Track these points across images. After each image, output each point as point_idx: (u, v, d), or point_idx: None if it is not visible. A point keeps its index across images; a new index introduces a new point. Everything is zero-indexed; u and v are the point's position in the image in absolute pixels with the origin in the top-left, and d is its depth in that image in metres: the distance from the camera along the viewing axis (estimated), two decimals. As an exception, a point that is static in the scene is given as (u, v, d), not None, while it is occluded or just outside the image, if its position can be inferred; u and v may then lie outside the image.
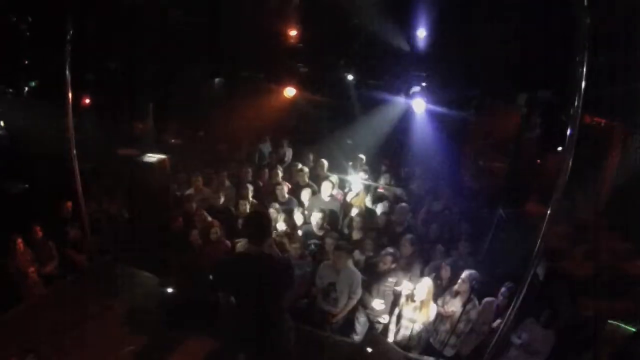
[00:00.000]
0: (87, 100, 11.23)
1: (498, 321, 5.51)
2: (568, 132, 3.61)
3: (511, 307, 4.39)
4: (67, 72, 5.21)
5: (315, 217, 7.26)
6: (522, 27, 7.10)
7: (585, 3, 3.24)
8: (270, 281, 3.75)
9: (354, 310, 6.29)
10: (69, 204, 7.35)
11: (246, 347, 4.04)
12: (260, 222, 3.82)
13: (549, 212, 3.85)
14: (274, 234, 6.54)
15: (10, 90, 11.00)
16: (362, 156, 10.35)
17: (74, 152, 5.53)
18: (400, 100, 10.51)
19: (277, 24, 10.16)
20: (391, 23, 8.47)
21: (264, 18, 9.71)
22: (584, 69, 3.37)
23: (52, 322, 5.51)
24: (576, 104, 3.47)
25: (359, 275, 6.13)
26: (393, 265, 6.30)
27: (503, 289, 5.61)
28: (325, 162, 9.55)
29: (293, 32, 9.94)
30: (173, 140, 12.09)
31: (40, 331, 5.17)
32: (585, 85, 3.38)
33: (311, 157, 10.57)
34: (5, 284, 6.29)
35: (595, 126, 8.39)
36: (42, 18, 8.81)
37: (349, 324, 6.32)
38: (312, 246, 6.92)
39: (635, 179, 7.26)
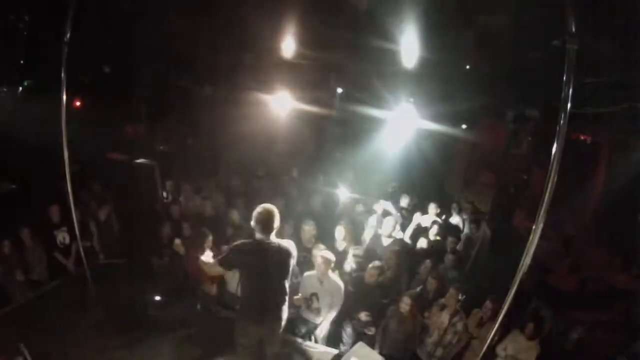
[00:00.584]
0: (79, 103, 11.17)
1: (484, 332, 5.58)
2: (553, 149, 3.71)
3: (497, 319, 4.44)
4: (63, 74, 5.20)
5: (305, 229, 7.30)
6: (512, 44, 7.22)
7: (573, 29, 3.36)
8: (278, 265, 4.42)
9: (340, 322, 6.32)
10: (57, 207, 7.32)
11: (257, 320, 4.56)
12: (268, 217, 4.37)
13: (534, 227, 3.92)
14: None
15: (4, 89, 10.92)
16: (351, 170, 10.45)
17: (66, 154, 5.49)
18: (389, 114, 10.60)
19: (269, 36, 10.21)
20: (381, 38, 8.55)
21: (257, 29, 9.76)
22: (570, 90, 3.48)
23: (38, 325, 5.49)
24: (562, 122, 3.58)
25: (341, 286, 6.13)
26: (380, 278, 6.36)
27: (487, 302, 5.67)
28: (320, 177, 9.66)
29: (285, 45, 9.98)
30: (162, 147, 12.06)
31: (26, 335, 5.13)
32: (572, 105, 3.50)
33: (295, 170, 10.64)
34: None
35: (582, 143, 8.55)
36: (40, 18, 8.79)
37: (335, 335, 6.34)
38: (301, 258, 6.95)
39: (621, 194, 7.39)
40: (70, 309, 5.96)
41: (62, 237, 7.31)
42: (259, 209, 4.40)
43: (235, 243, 4.60)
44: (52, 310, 5.92)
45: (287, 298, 4.61)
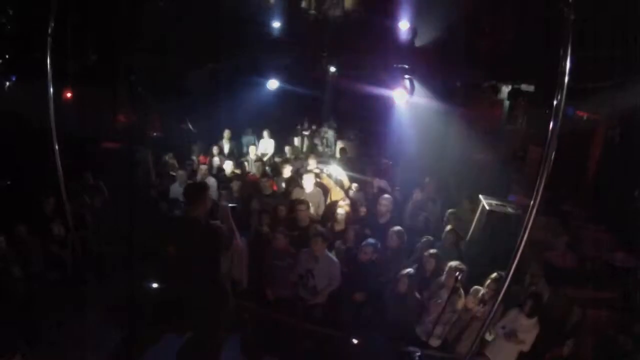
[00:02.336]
0: (69, 94, 11.00)
1: (483, 311, 5.59)
2: (550, 125, 3.63)
3: (498, 297, 4.40)
4: (49, 65, 5.12)
5: (299, 208, 7.25)
6: (508, 19, 7.13)
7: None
8: (201, 242, 4.34)
9: (337, 301, 6.30)
10: (51, 199, 7.25)
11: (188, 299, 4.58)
12: (195, 191, 4.49)
13: (532, 202, 3.86)
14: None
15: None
16: (345, 147, 10.39)
17: (56, 146, 5.42)
18: (383, 91, 10.51)
19: (259, 15, 10.06)
20: (375, 14, 8.44)
21: (246, 8, 9.62)
22: (568, 63, 3.40)
23: (37, 320, 5.45)
24: (559, 97, 3.50)
25: (337, 264, 6.14)
26: (374, 256, 6.32)
27: (488, 280, 5.66)
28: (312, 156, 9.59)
29: (276, 23, 9.86)
30: (155, 133, 11.95)
31: (25, 330, 5.11)
32: (569, 79, 3.41)
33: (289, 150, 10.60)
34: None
35: (578, 119, 8.48)
36: (23, 10, 8.59)
37: (333, 316, 6.33)
38: (297, 237, 6.91)
39: (617, 171, 7.35)
40: (68, 301, 5.92)
41: (58, 228, 7.27)
42: (187, 185, 4.75)
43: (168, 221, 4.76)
44: (51, 304, 5.88)
45: (215, 279, 4.57)
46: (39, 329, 5.30)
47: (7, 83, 10.82)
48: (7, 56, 9.93)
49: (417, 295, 5.99)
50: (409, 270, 6.06)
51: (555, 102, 3.55)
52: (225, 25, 9.86)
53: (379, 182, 9.08)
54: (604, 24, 5.58)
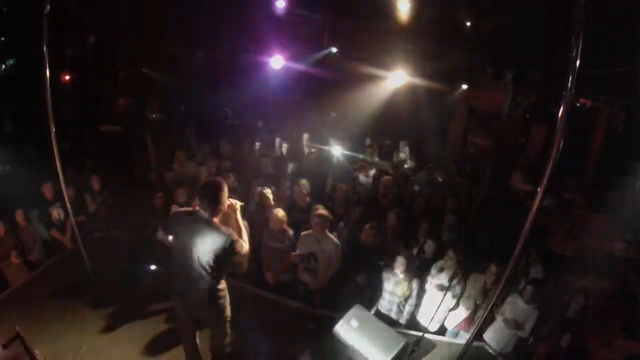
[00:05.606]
0: (68, 77, 10.85)
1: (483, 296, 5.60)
2: (560, 112, 3.58)
3: (500, 283, 4.40)
4: (45, 49, 5.03)
5: (297, 189, 7.21)
6: (513, 4, 7.01)
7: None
8: (201, 243, 3.90)
9: (338, 284, 6.29)
10: (50, 184, 7.21)
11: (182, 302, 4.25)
12: (211, 191, 3.95)
13: (538, 190, 3.82)
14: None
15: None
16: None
17: (54, 130, 5.36)
18: (384, 73, 10.43)
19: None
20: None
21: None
22: (579, 50, 3.33)
23: (36, 306, 5.44)
24: (569, 85, 3.43)
25: (338, 245, 6.08)
26: (376, 239, 6.29)
27: (492, 266, 5.65)
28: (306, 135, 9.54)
29: (277, 3, 9.70)
30: (154, 116, 11.83)
31: (25, 316, 5.10)
32: (578, 66, 3.35)
33: (294, 130, 10.52)
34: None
35: (581, 107, 8.43)
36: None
37: (333, 298, 6.33)
38: (295, 219, 6.87)
39: (619, 160, 7.33)
40: (67, 287, 5.90)
41: (57, 213, 7.25)
42: (204, 182, 4.09)
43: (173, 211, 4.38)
44: (50, 290, 5.86)
45: (213, 283, 4.07)
46: (39, 314, 5.28)
47: (4, 66, 10.62)
48: (2, 38, 9.73)
49: (417, 278, 5.99)
50: (407, 252, 6.05)
51: (565, 90, 3.48)
52: (223, 5, 9.71)
53: (380, 164, 9.05)
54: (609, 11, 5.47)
